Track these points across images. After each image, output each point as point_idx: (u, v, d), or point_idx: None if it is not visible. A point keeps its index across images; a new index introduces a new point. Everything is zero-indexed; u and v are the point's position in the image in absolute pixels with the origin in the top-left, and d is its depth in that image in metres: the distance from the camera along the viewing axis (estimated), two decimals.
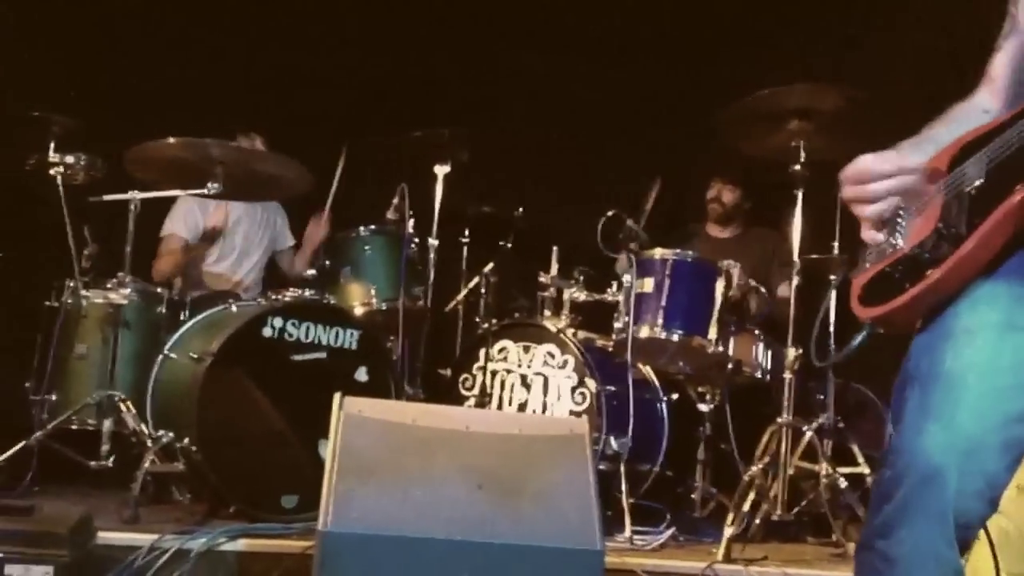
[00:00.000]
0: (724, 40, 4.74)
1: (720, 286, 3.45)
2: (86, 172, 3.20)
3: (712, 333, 3.39)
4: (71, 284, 3.26)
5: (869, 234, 1.44)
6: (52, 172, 3.14)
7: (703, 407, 3.77)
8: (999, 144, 1.29)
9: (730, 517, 3.01)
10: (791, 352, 3.36)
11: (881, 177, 1.39)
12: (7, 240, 3.50)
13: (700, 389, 3.81)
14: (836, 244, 3.58)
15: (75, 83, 3.76)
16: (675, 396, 3.73)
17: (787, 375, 3.34)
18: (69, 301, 3.26)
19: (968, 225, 1.28)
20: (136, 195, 3.17)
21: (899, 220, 1.42)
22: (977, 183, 1.29)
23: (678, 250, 3.51)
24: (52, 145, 3.18)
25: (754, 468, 3.23)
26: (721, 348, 3.42)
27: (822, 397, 3.65)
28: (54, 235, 3.20)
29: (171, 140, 3.16)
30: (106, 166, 3.25)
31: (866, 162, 1.41)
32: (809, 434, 3.37)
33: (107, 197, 3.17)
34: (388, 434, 1.96)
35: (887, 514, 1.27)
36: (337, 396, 2.02)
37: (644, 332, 3.34)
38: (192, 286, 4.16)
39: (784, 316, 3.49)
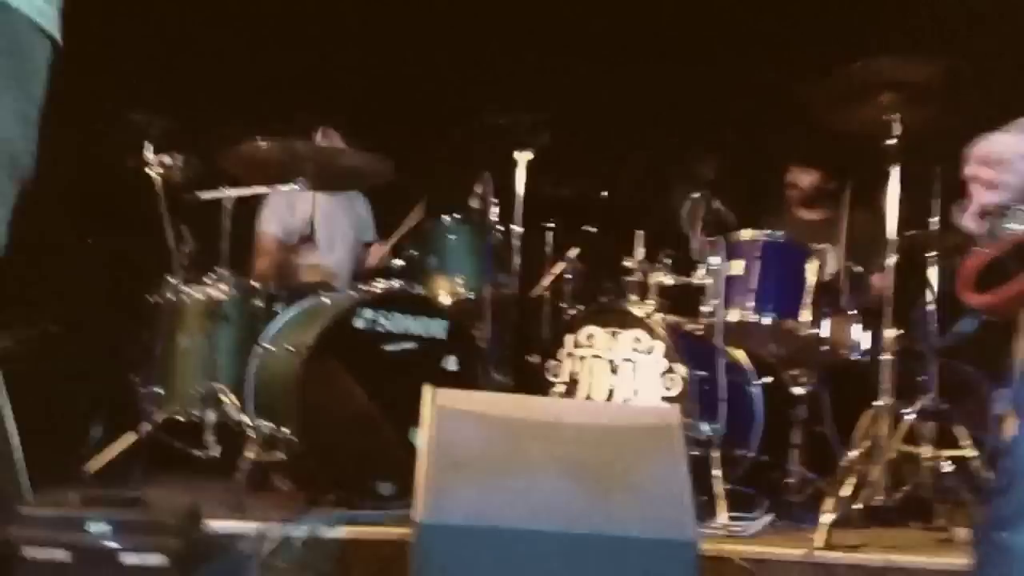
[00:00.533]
0: (800, 13, 4.60)
1: (812, 267, 3.37)
2: (182, 171, 3.31)
3: (805, 315, 3.31)
4: (172, 280, 3.38)
5: (975, 219, 1.37)
6: (150, 172, 3.26)
7: (797, 390, 3.68)
8: None
9: (829, 502, 2.95)
10: (890, 333, 3.25)
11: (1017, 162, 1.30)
12: (109, 238, 3.65)
13: (794, 372, 3.72)
14: (934, 220, 3.45)
15: (167, 84, 3.88)
16: (768, 379, 3.66)
17: (886, 356, 3.23)
18: (171, 296, 3.38)
19: None
20: (229, 193, 3.26)
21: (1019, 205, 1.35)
22: None
23: (768, 231, 3.43)
24: (149, 145, 3.29)
25: (853, 453, 3.15)
26: (815, 330, 3.33)
27: (923, 378, 3.53)
28: (154, 232, 3.33)
29: (261, 142, 3.24)
30: (201, 164, 3.35)
31: (1004, 145, 1.31)
32: (910, 417, 3.26)
33: (202, 196, 3.27)
34: (480, 426, 1.97)
35: (1009, 505, 1.23)
36: (428, 388, 2.05)
37: (735, 315, 3.28)
38: (285, 277, 4.27)
39: (882, 296, 3.38)
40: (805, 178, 4.34)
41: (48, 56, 1.05)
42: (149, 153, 3.30)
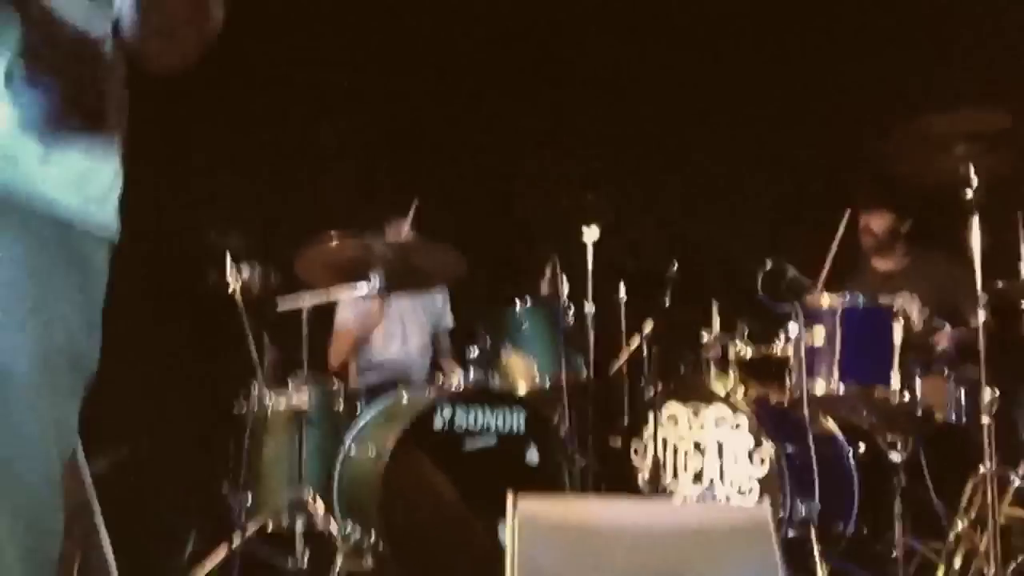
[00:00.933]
0: (862, 68, 4.54)
1: (898, 328, 3.25)
2: (261, 282, 3.41)
3: (895, 382, 3.19)
4: (256, 389, 3.46)
5: None
6: (230, 288, 3.36)
7: (895, 456, 3.53)
8: None
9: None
10: (987, 393, 3.11)
11: None
12: (193, 351, 3.76)
13: (890, 437, 3.58)
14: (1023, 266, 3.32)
15: (239, 199, 4.02)
16: (862, 447, 3.52)
17: (985, 419, 3.08)
18: (255, 406, 3.46)
19: None
20: (307, 303, 3.33)
21: None
22: None
23: (847, 295, 3.34)
24: (228, 261, 3.40)
25: (960, 523, 3.00)
26: (907, 396, 3.21)
27: None
28: (236, 343, 3.42)
29: (333, 241, 3.32)
30: (279, 274, 3.44)
31: None
32: (1018, 482, 3.10)
33: (280, 308, 3.36)
34: (564, 536, 1.94)
35: None
36: (510, 496, 2.03)
37: (819, 388, 3.18)
38: (364, 371, 4.33)
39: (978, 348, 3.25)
40: (878, 222, 4.22)
41: (108, 256, 1.11)
42: (228, 268, 3.41)
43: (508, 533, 1.99)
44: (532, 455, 3.17)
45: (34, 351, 0.98)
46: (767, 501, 2.13)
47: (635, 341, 4.08)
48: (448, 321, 4.59)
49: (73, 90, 1.05)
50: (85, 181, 1.07)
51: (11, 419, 0.97)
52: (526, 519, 1.98)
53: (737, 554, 1.85)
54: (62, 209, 1.04)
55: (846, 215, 3.71)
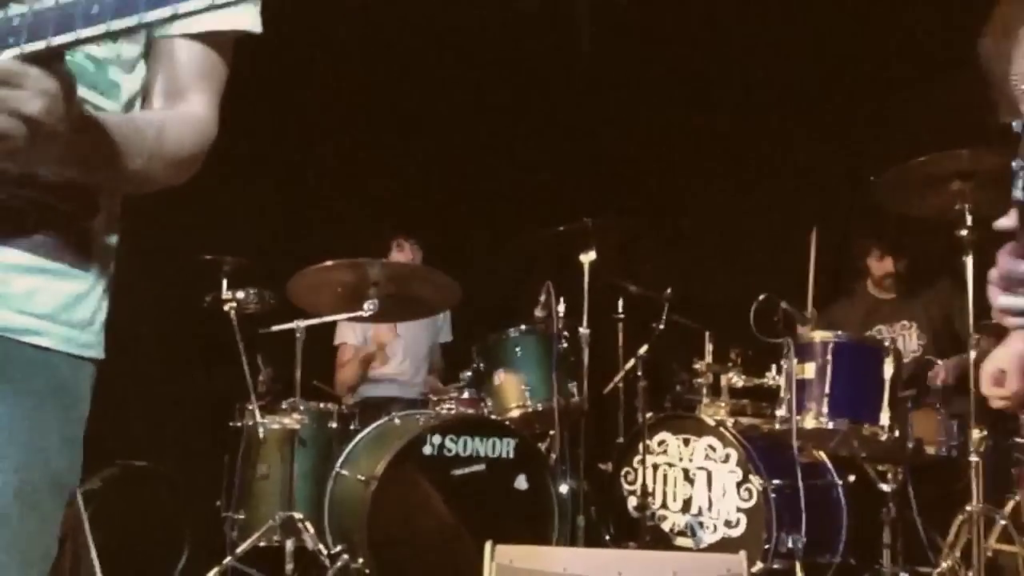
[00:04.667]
0: (875, 101, 4.54)
1: (889, 365, 3.26)
2: (256, 304, 3.44)
3: (884, 418, 3.20)
4: (249, 408, 3.49)
5: None
6: (226, 308, 3.39)
7: (884, 487, 3.55)
8: None
9: None
10: (975, 432, 3.12)
11: None
12: (192, 368, 3.80)
13: (880, 468, 3.60)
14: None
15: (239, 223, 4.05)
16: (851, 478, 3.54)
17: (974, 458, 3.09)
18: (249, 424, 3.49)
19: None
20: (300, 323, 3.37)
21: None
22: None
23: (839, 332, 3.35)
24: (225, 283, 3.43)
25: (944, 564, 3.02)
26: (897, 433, 3.22)
27: (1016, 470, 3.37)
28: (232, 362, 3.45)
29: (328, 263, 3.35)
30: (275, 296, 3.47)
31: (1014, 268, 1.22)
32: (1003, 521, 3.11)
33: (275, 328, 3.39)
34: None
35: None
36: (488, 546, 2.06)
37: (809, 422, 3.20)
38: (363, 385, 4.36)
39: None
40: (879, 266, 4.23)
41: (92, 375, 1.11)
42: (224, 288, 3.44)
43: None
44: (521, 483, 3.20)
45: (14, 483, 0.99)
46: (743, 554, 2.15)
47: (631, 361, 4.10)
48: (446, 335, 4.62)
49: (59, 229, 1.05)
50: (71, 310, 1.07)
51: None
52: (503, 567, 2.01)
53: None
54: (46, 339, 1.04)
55: (813, 235, 3.68)
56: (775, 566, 3.11)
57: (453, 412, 3.45)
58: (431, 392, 4.09)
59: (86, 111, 0.97)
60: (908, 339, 4.19)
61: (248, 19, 1.17)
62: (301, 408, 3.42)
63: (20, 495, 0.99)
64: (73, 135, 0.91)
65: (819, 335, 3.32)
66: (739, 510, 3.28)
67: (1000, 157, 3.11)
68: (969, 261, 3.21)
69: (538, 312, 3.80)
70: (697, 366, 3.66)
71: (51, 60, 0.87)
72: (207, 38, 1.14)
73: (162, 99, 1.13)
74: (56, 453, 1.04)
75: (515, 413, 3.57)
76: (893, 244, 4.18)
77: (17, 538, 0.99)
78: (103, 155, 0.99)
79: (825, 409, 3.20)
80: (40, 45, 0.86)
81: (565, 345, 3.68)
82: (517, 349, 3.68)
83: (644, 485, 3.48)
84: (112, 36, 0.86)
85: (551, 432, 3.60)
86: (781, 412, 3.29)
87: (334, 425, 3.57)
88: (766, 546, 3.15)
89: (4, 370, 1.01)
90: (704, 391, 3.65)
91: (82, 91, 0.97)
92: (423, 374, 4.53)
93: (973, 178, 3.21)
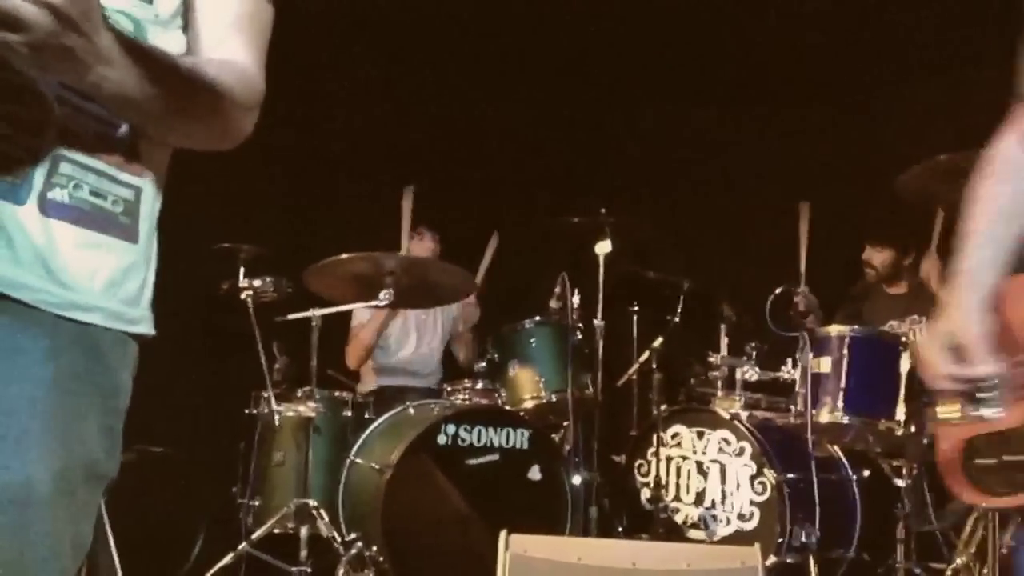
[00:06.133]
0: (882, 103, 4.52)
1: (905, 360, 3.25)
2: (273, 292, 3.45)
3: (899, 413, 3.19)
4: (265, 395, 3.51)
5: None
6: (242, 296, 3.41)
7: (899, 482, 3.53)
8: None
9: None
10: None
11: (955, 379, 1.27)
12: (209, 356, 3.81)
13: (895, 463, 3.58)
14: None
15: (257, 211, 4.07)
16: (866, 473, 3.53)
17: None
18: (264, 412, 3.51)
19: None
20: (316, 312, 3.38)
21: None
22: None
23: (855, 326, 3.33)
24: (241, 271, 3.45)
25: (958, 560, 3.00)
26: (913, 428, 3.20)
27: None
28: (248, 350, 3.47)
29: (344, 256, 3.35)
30: (291, 285, 3.48)
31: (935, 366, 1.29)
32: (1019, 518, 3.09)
33: (291, 316, 3.40)
34: (554, 574, 1.97)
35: None
36: (503, 535, 2.06)
37: (824, 416, 3.19)
38: (376, 375, 4.37)
39: None
40: (878, 256, 4.21)
41: (135, 355, 1.06)
42: (241, 275, 3.45)
43: (499, 567, 2.02)
44: (534, 473, 3.20)
45: (52, 469, 0.96)
46: (758, 547, 2.15)
47: (645, 354, 4.09)
48: (474, 316, 4.59)
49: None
50: (117, 286, 1.03)
51: (28, 539, 0.95)
52: (517, 555, 2.01)
53: None
54: (92, 316, 1.00)
55: (806, 209, 3.62)
56: (788, 560, 3.11)
57: (468, 402, 3.45)
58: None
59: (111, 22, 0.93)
60: (921, 334, 4.17)
61: None
62: (316, 396, 3.43)
63: (55, 483, 0.96)
64: (100, 38, 0.88)
65: (835, 329, 3.31)
66: (753, 503, 3.28)
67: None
68: None
69: (553, 303, 3.80)
70: (712, 359, 3.65)
71: None
72: None
73: (201, 54, 1.08)
74: (95, 442, 1.01)
75: (529, 404, 3.57)
76: (897, 239, 4.15)
77: (48, 527, 0.96)
78: (133, 70, 0.93)
79: (840, 404, 3.19)
80: None
81: (580, 337, 3.68)
82: (532, 340, 3.68)
83: (657, 477, 3.48)
84: None
85: (565, 423, 3.61)
86: (796, 406, 3.29)
87: (349, 413, 3.58)
88: (779, 540, 3.14)
89: (47, 349, 0.97)
90: (719, 384, 3.64)
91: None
92: (437, 364, 4.54)
93: None
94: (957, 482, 1.32)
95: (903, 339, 3.32)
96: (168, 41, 1.08)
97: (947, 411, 1.34)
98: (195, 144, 1.09)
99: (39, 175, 0.98)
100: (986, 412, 1.28)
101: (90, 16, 0.86)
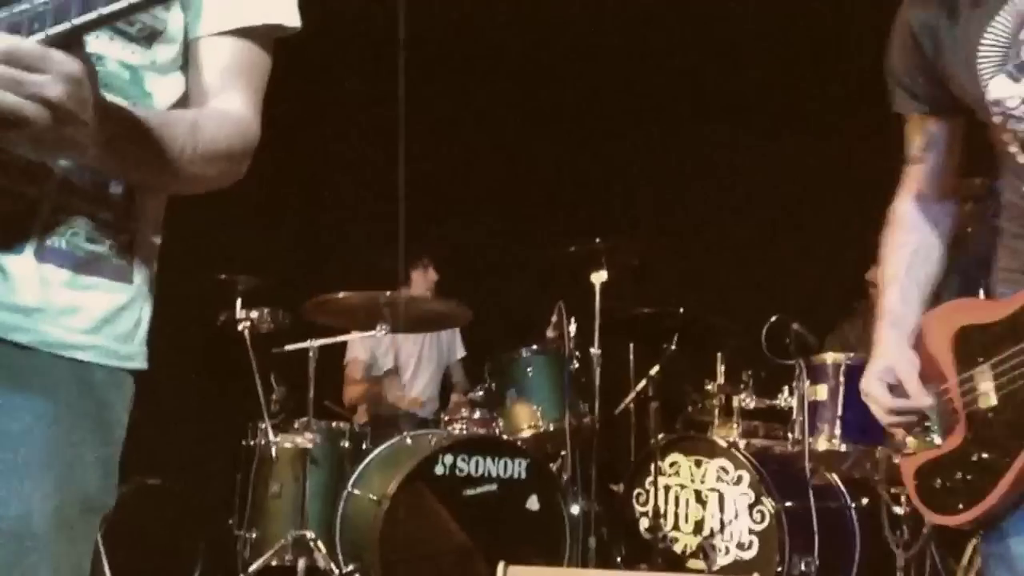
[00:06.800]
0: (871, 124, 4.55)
1: None
2: (270, 324, 3.46)
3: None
4: (262, 426, 3.51)
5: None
6: (240, 327, 3.42)
7: (899, 509, 3.52)
8: (1007, 364, 1.25)
9: None
10: None
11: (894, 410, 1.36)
12: (206, 387, 3.81)
13: (894, 490, 3.57)
14: None
15: (254, 242, 4.08)
16: (865, 500, 3.52)
17: None
18: (261, 443, 3.51)
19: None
20: (314, 343, 3.39)
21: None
22: (992, 404, 1.28)
23: (851, 354, 3.35)
24: (239, 302, 3.46)
25: None
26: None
27: None
28: (246, 381, 3.47)
29: (341, 295, 3.37)
30: (288, 316, 3.49)
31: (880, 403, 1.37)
32: None
33: (288, 347, 3.41)
34: None
35: None
36: (501, 566, 2.06)
37: (821, 444, 3.19)
38: (372, 403, 4.37)
39: None
40: (875, 272, 4.21)
41: (131, 390, 1.08)
42: (239, 307, 3.47)
43: None
44: (533, 503, 3.20)
45: (50, 502, 0.98)
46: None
47: (642, 382, 4.09)
48: (459, 352, 4.61)
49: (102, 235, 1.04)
50: (111, 324, 1.05)
51: (26, 572, 0.96)
52: None
53: None
54: (86, 355, 1.02)
55: None
56: None
57: (465, 432, 3.46)
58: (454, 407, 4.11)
59: (111, 99, 0.95)
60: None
61: (283, 13, 1.12)
62: (313, 427, 3.44)
63: (53, 517, 0.98)
64: (97, 122, 0.90)
65: (831, 357, 3.32)
66: (751, 532, 3.27)
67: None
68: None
69: (550, 332, 3.82)
70: (709, 387, 3.66)
71: (73, 44, 0.87)
72: (241, 34, 1.11)
73: (199, 101, 1.11)
74: (91, 475, 1.03)
75: (527, 433, 3.57)
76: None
77: (46, 560, 0.98)
78: (130, 145, 0.97)
79: (838, 431, 3.20)
80: (64, 27, 0.85)
81: (577, 365, 3.69)
82: (529, 369, 3.68)
83: (656, 506, 3.47)
84: (135, 9, 0.85)
85: (563, 452, 3.61)
86: (793, 434, 3.29)
87: (346, 444, 3.58)
88: (778, 568, 3.13)
89: (44, 386, 0.99)
90: (716, 412, 3.64)
91: (113, 100, 0.97)
92: (433, 392, 4.54)
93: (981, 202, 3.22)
94: (920, 506, 1.40)
95: None
96: (166, 86, 1.11)
97: (910, 443, 1.43)
98: (190, 192, 1.12)
99: (37, 224, 1.00)
100: (933, 439, 1.35)
101: (86, 106, 0.89)
